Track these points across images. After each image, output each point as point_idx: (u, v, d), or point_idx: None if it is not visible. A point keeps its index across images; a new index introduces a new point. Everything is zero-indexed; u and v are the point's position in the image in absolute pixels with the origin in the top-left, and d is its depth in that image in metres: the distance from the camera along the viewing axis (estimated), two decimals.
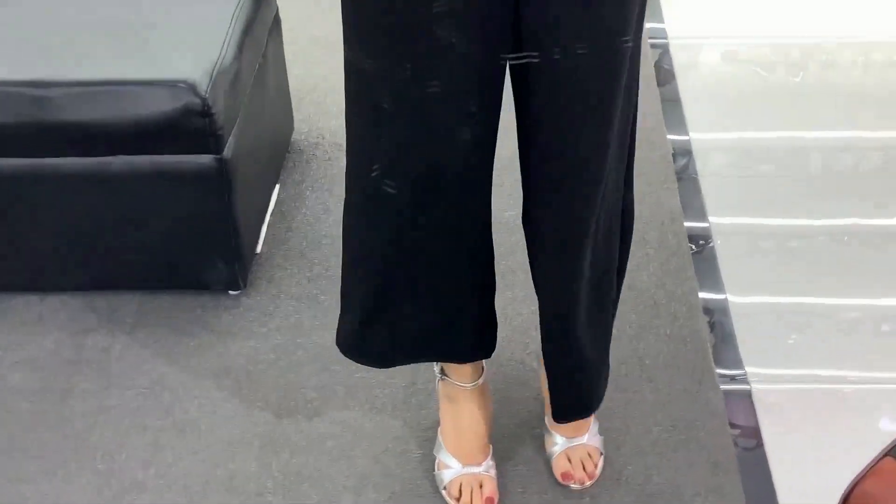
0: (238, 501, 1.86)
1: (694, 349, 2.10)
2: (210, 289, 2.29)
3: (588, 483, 1.83)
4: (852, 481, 1.16)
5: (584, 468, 1.83)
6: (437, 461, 1.86)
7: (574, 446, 1.85)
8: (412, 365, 2.10)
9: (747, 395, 2.01)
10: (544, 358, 1.75)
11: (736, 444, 1.91)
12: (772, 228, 2.47)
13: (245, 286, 2.29)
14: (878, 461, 1.16)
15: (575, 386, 1.76)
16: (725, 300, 2.22)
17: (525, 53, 1.40)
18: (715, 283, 2.26)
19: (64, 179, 2.16)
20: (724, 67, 3.08)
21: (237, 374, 2.11)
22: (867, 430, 1.96)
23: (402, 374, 2.09)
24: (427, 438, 1.95)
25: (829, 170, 2.66)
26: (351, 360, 1.79)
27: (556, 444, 1.86)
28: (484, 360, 1.81)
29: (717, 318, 2.18)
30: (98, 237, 2.22)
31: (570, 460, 1.84)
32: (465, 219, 1.58)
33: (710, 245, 2.32)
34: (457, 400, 1.82)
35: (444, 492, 1.83)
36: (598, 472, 1.84)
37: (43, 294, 2.28)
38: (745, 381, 2.04)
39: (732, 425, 1.94)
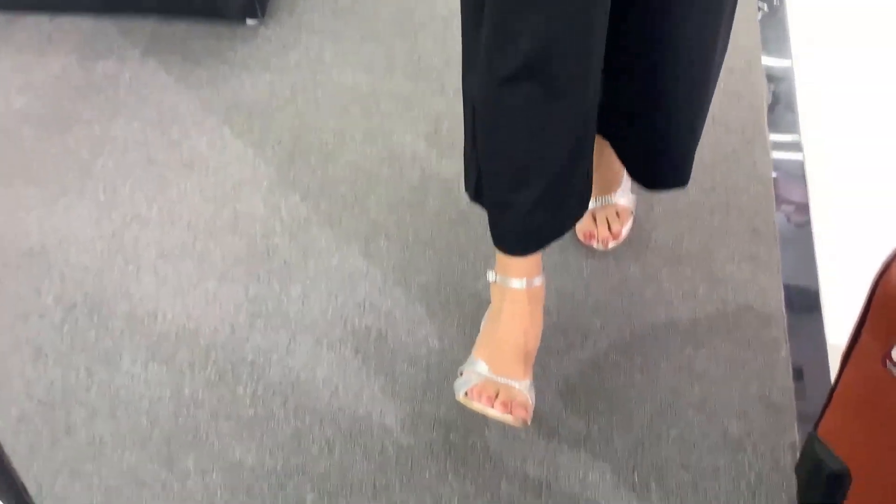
0: (244, 242, 1.76)
1: (748, 106, 1.90)
2: (226, 17, 2.12)
3: (612, 244, 1.69)
4: (890, 255, 1.00)
5: (609, 228, 1.69)
6: (460, 374, 1.49)
7: (602, 206, 1.70)
8: (438, 108, 1.96)
9: (799, 166, 1.82)
10: (653, 118, 1.48)
11: (782, 214, 1.74)
12: None
13: (263, 15, 2.12)
14: None
15: (686, 145, 1.52)
16: (789, 61, 1.99)
17: None
18: (781, 44, 2.02)
19: None
20: None
21: (250, 111, 1.98)
22: None
23: (425, 121, 1.94)
24: (445, 189, 1.82)
25: None
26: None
27: None
28: (542, 263, 1.51)
29: (777, 78, 1.97)
30: None
31: (595, 219, 1.70)
32: None
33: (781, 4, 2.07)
34: (503, 305, 1.49)
35: (463, 398, 1.45)
36: (624, 232, 1.70)
37: (53, 14, 2.14)
38: (798, 148, 1.85)
39: (780, 197, 1.77)
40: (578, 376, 1.55)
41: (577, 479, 1.44)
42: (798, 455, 1.42)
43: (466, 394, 1.44)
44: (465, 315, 1.63)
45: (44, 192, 1.85)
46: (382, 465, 1.46)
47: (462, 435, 1.49)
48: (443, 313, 1.64)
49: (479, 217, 1.77)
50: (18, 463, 1.44)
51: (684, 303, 1.63)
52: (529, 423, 1.44)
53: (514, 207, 1.36)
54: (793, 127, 1.91)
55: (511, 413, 1.41)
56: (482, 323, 1.53)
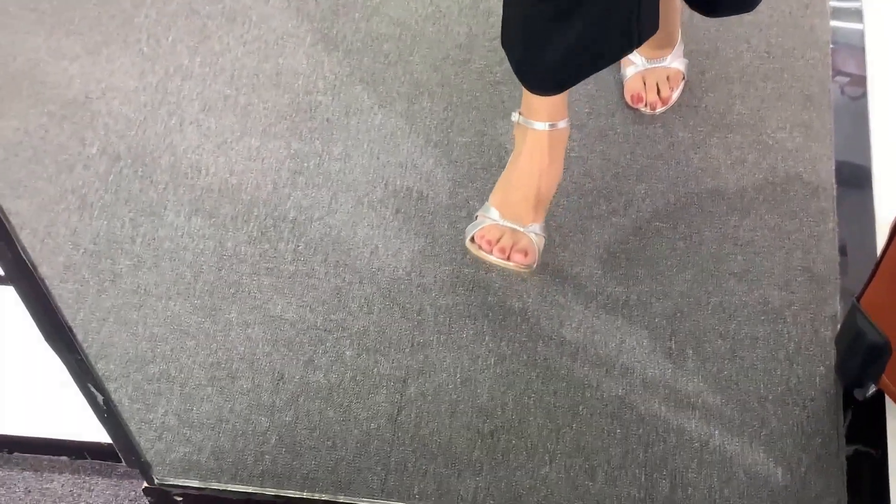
0: (287, 98, 1.75)
1: None
2: None
3: (660, 109, 1.66)
4: None
5: (658, 92, 1.65)
6: (475, 219, 1.51)
7: (653, 68, 1.66)
8: None
9: (858, 36, 1.75)
10: None
11: (837, 85, 1.69)
12: None
13: None
14: None
15: None
16: None
17: None
18: None
19: None
20: None
21: None
22: None
23: None
24: (492, 49, 1.78)
25: None
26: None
27: (634, 64, 1.66)
28: (568, 108, 1.46)
29: None
30: None
31: (644, 83, 1.66)
32: None
33: None
34: (523, 145, 1.47)
35: (469, 244, 1.48)
36: (674, 97, 1.66)
37: None
38: (859, 18, 1.78)
39: (836, 68, 1.71)
40: (619, 242, 1.54)
41: (613, 345, 1.44)
42: (838, 327, 1.42)
43: (473, 239, 1.46)
44: None
45: (86, 41, 1.84)
46: (420, 324, 1.48)
47: (500, 297, 1.50)
48: (485, 175, 1.63)
49: None
50: (65, 310, 1.47)
51: (732, 170, 1.60)
52: (534, 266, 1.45)
53: (553, 42, 1.31)
54: None
55: (510, 259, 1.42)
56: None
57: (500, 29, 1.79)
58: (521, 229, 1.45)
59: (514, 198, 1.46)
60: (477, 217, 1.48)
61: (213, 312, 1.51)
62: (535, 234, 1.46)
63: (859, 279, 1.48)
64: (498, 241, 1.44)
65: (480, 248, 1.45)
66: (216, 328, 1.50)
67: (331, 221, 1.60)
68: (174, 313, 1.52)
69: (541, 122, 1.43)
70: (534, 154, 1.45)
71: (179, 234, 1.60)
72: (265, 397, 1.43)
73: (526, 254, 1.43)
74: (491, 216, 1.47)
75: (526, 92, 1.43)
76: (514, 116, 1.47)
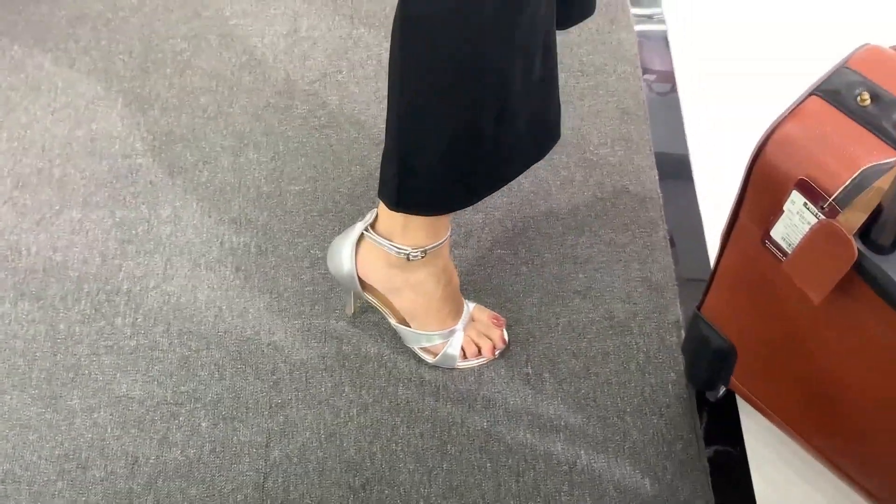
0: (105, 165, 1.68)
1: None
2: None
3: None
4: (773, 123, 1.01)
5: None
6: (421, 354, 1.45)
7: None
8: (296, 5, 1.88)
9: (662, 37, 1.83)
10: None
11: (651, 89, 1.75)
12: None
13: None
14: (802, 101, 1.00)
15: None
16: None
17: None
18: None
19: None
20: None
21: (95, 22, 1.86)
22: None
23: (283, 20, 1.86)
24: (312, 93, 1.76)
25: None
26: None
27: None
28: None
29: None
30: None
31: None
32: None
33: None
34: (437, 262, 1.35)
35: (462, 363, 1.45)
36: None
37: None
38: (661, 20, 1.85)
39: (646, 69, 1.78)
40: (465, 274, 1.55)
41: (473, 378, 1.45)
42: (683, 333, 1.47)
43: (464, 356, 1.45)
44: (345, 221, 1.60)
45: None
46: (276, 383, 1.44)
47: (355, 345, 1.48)
48: (322, 222, 1.61)
49: (348, 118, 1.73)
50: None
51: (562, 190, 1.63)
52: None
53: (489, 136, 1.20)
54: (655, 1, 1.91)
55: (503, 343, 1.47)
56: (408, 304, 1.40)
57: (318, 73, 1.78)
58: (473, 321, 1.46)
59: (448, 314, 1.42)
60: (438, 357, 1.43)
61: (54, 401, 1.43)
62: (473, 306, 1.47)
63: (695, 283, 1.54)
64: (479, 350, 1.45)
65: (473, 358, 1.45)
66: (59, 417, 1.42)
67: (168, 288, 1.54)
68: (11, 407, 1.43)
69: (445, 234, 1.32)
70: (446, 267, 1.38)
71: (6, 321, 1.51)
72: (121, 484, 1.36)
73: (500, 331, 1.47)
74: (449, 339, 1.43)
75: (429, 221, 1.28)
76: (416, 254, 1.30)
